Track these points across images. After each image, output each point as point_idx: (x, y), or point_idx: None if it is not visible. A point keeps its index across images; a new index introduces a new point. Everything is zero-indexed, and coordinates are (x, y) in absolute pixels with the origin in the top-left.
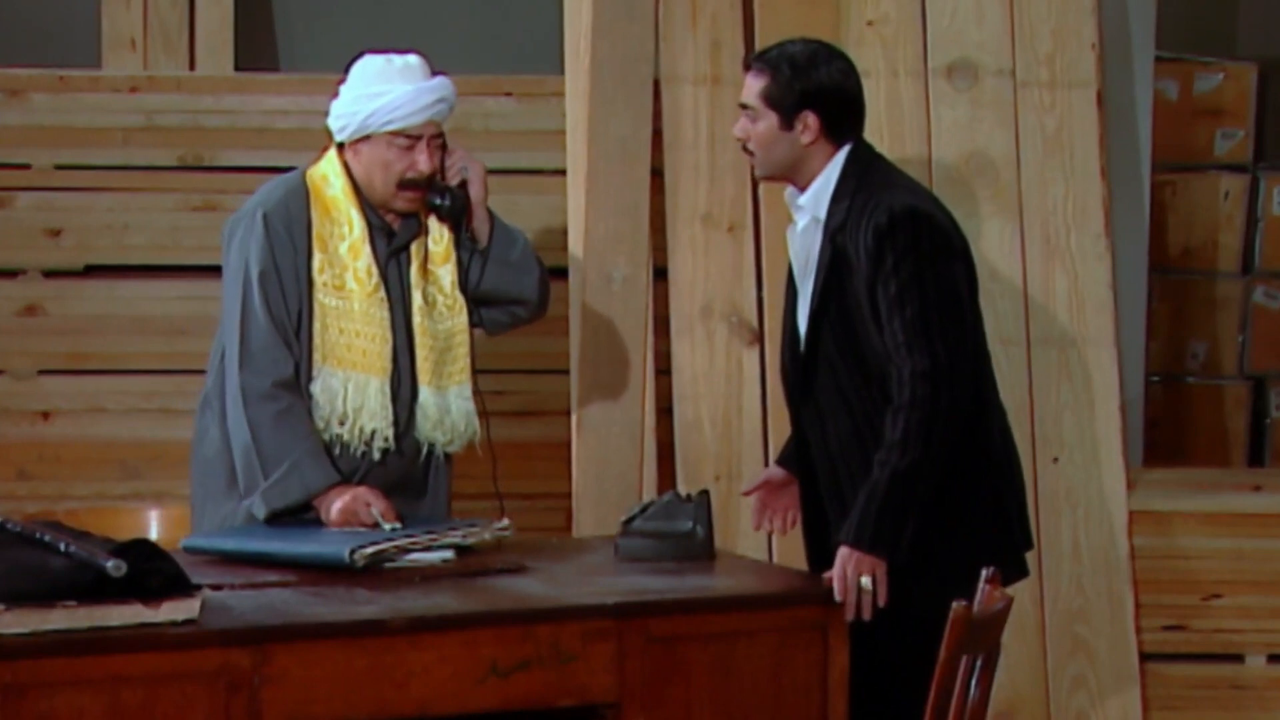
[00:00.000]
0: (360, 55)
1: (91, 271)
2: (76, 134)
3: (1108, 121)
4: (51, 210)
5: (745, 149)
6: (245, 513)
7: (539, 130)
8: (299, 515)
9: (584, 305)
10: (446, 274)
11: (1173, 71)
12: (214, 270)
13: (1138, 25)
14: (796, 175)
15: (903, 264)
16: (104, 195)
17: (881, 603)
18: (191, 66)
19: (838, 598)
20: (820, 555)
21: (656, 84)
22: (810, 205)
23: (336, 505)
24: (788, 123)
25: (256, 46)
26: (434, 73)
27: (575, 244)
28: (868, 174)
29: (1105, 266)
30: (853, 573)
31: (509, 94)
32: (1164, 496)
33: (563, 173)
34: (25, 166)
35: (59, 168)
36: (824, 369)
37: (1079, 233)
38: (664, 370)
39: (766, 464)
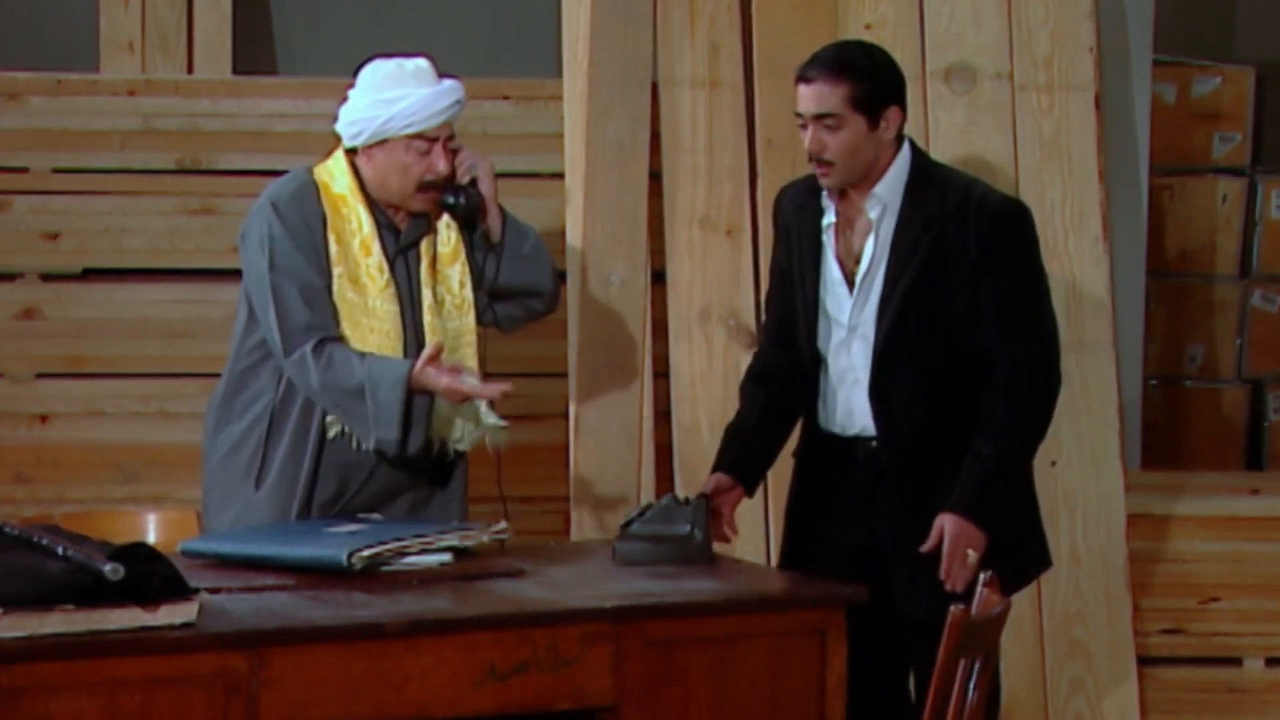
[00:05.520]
0: (368, 60)
1: (89, 275)
2: (74, 137)
3: (1105, 125)
4: (49, 213)
5: (820, 160)
6: (267, 503)
7: (537, 133)
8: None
9: (582, 308)
10: (455, 274)
11: (1170, 75)
12: (212, 273)
13: (1135, 28)
14: (870, 176)
15: (1021, 255)
16: (102, 198)
17: (963, 587)
18: (189, 70)
19: (946, 563)
20: (814, 554)
21: (654, 87)
22: (887, 196)
23: (442, 381)
24: (875, 122)
25: (254, 49)
26: (440, 74)
27: (573, 247)
28: (938, 165)
29: (1103, 270)
30: (964, 544)
31: (507, 97)
32: (1162, 500)
33: (561, 176)
34: (23, 170)
35: (57, 171)
36: (904, 361)
37: (1077, 236)
38: (662, 373)
39: None
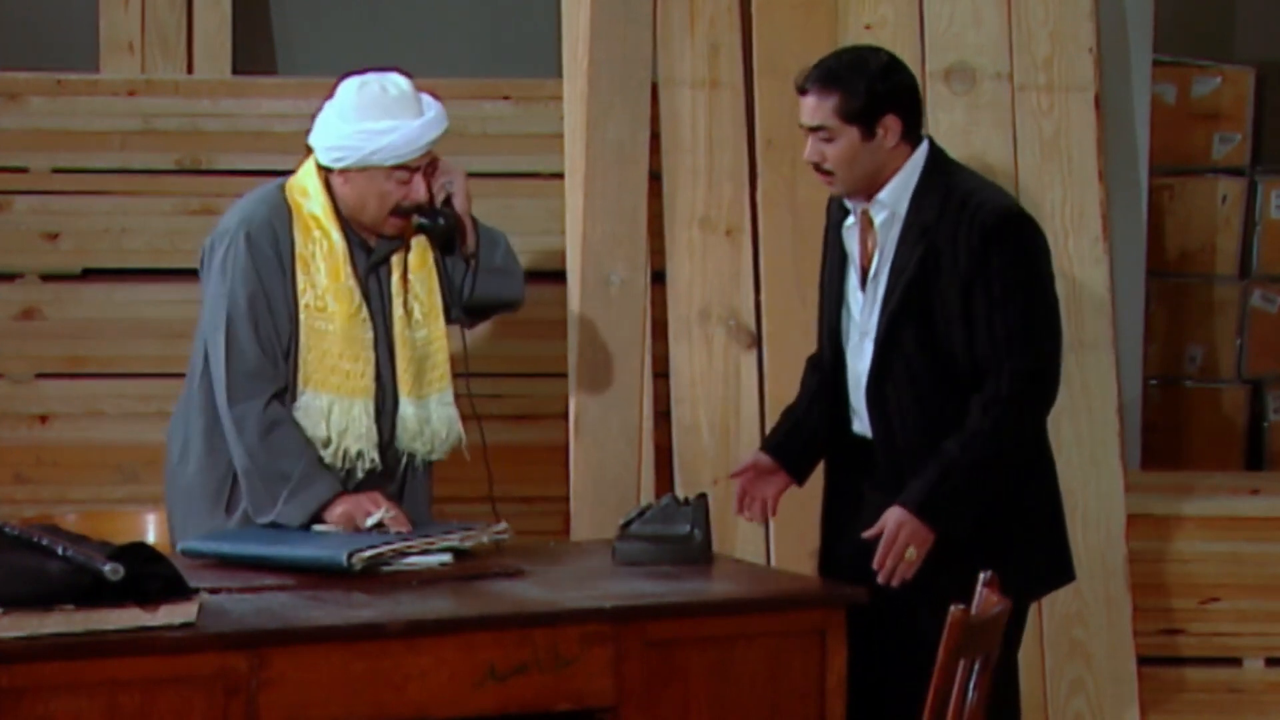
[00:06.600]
0: (344, 76)
1: (89, 275)
2: (74, 137)
3: (1105, 125)
4: (49, 214)
5: (820, 170)
6: (236, 526)
7: (537, 134)
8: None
9: (582, 309)
10: (422, 281)
11: (1170, 75)
12: None
13: (1135, 29)
14: (878, 181)
15: (1012, 265)
16: (102, 199)
17: (905, 578)
18: (189, 70)
19: (881, 554)
20: (838, 555)
21: (654, 87)
22: (890, 201)
23: (338, 510)
24: (870, 132)
25: (254, 50)
26: (419, 83)
27: (573, 247)
28: (952, 170)
29: (1103, 270)
30: (904, 538)
31: (507, 97)
32: (1161, 500)
33: (561, 176)
34: (23, 170)
35: (57, 171)
36: (899, 366)
37: (1077, 236)
38: (662, 374)
39: None
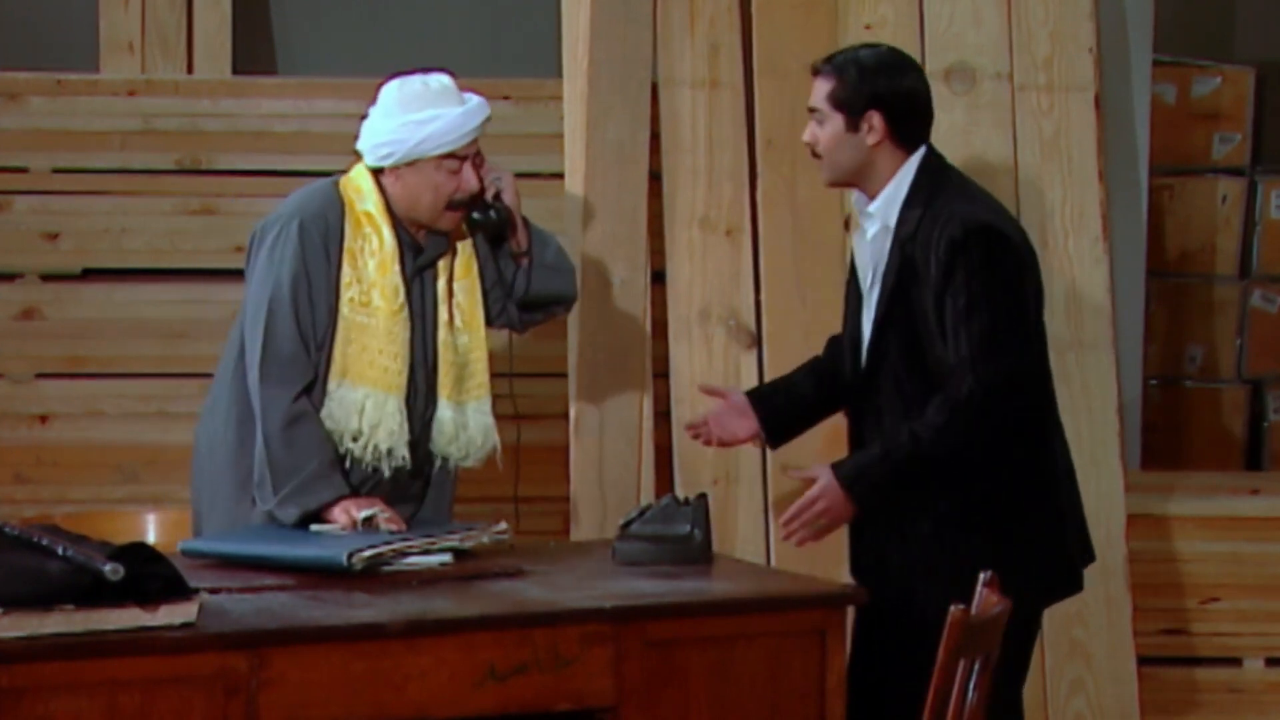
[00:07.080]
0: (389, 78)
1: (89, 275)
2: (74, 137)
3: (1105, 125)
4: (49, 214)
5: (814, 153)
6: (260, 519)
7: (537, 134)
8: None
9: (582, 308)
10: (465, 289)
11: (1170, 75)
12: (212, 273)
13: (1135, 29)
14: (864, 180)
15: (975, 278)
16: (102, 199)
17: (798, 543)
18: (189, 70)
19: (792, 512)
20: (859, 562)
21: (654, 87)
22: (880, 213)
23: (336, 510)
24: (854, 124)
25: (254, 50)
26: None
27: (573, 247)
28: (941, 183)
29: (1103, 270)
30: (822, 508)
31: (507, 97)
32: (1161, 500)
33: (561, 176)
34: (23, 170)
35: (57, 171)
36: (887, 376)
37: (1076, 236)
38: (662, 373)
39: (765, 468)
